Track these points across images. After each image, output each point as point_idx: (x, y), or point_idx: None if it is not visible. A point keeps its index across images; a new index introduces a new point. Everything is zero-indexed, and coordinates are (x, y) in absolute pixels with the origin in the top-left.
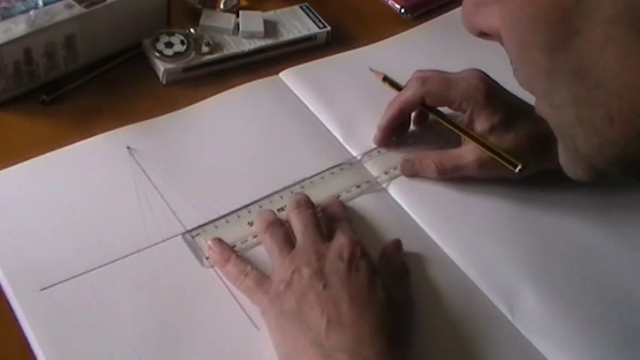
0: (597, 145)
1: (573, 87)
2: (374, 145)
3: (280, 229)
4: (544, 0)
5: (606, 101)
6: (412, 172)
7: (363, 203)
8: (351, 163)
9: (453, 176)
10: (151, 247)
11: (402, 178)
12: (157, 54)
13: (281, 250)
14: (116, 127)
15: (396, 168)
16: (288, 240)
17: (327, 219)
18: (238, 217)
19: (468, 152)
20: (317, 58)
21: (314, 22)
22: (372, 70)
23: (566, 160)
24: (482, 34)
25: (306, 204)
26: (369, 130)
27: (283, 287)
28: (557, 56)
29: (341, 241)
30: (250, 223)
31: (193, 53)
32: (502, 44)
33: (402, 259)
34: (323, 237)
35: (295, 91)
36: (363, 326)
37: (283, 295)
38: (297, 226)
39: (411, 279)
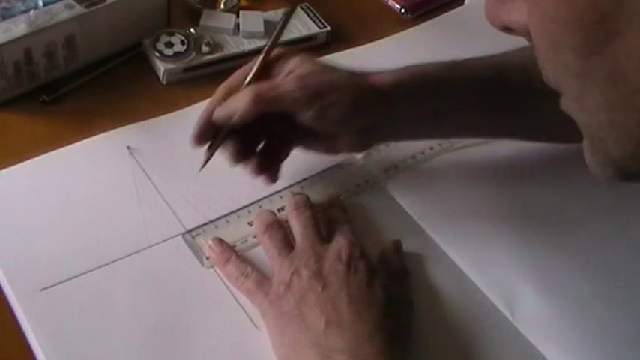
0: (631, 150)
1: (607, 91)
2: None
3: (279, 231)
4: (580, 1)
5: None
6: (226, 113)
7: (363, 203)
8: (350, 163)
9: (272, 105)
10: (150, 247)
11: (402, 177)
12: (157, 54)
13: (280, 251)
14: (116, 127)
15: (396, 167)
16: (287, 242)
17: (327, 220)
18: (238, 217)
19: (284, 76)
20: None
21: (314, 22)
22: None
23: (593, 162)
24: (506, 29)
25: (305, 205)
26: None
27: (283, 289)
28: (592, 59)
29: (340, 242)
30: (250, 224)
31: (193, 53)
32: (528, 40)
33: (402, 260)
34: (322, 239)
35: None
36: (361, 326)
37: (283, 297)
38: (297, 228)
39: (410, 280)
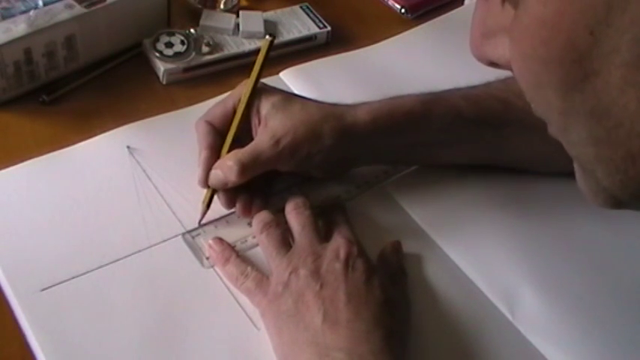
0: (619, 181)
1: (590, 127)
2: None
3: (277, 230)
4: (557, 41)
5: (627, 140)
6: (220, 182)
7: (363, 203)
8: None
9: (257, 170)
10: (150, 247)
11: (402, 178)
12: (157, 54)
13: (278, 251)
14: (116, 127)
15: (396, 167)
16: (285, 241)
17: (326, 220)
18: (238, 217)
19: (261, 135)
20: (317, 58)
21: (314, 22)
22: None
23: (586, 189)
24: (492, 64)
25: (304, 205)
26: None
27: (281, 288)
28: (573, 96)
29: (338, 241)
30: (250, 224)
31: (193, 53)
32: (513, 74)
33: (400, 260)
34: (320, 238)
35: (295, 91)
36: (359, 324)
37: (281, 297)
38: (295, 228)
39: (407, 280)
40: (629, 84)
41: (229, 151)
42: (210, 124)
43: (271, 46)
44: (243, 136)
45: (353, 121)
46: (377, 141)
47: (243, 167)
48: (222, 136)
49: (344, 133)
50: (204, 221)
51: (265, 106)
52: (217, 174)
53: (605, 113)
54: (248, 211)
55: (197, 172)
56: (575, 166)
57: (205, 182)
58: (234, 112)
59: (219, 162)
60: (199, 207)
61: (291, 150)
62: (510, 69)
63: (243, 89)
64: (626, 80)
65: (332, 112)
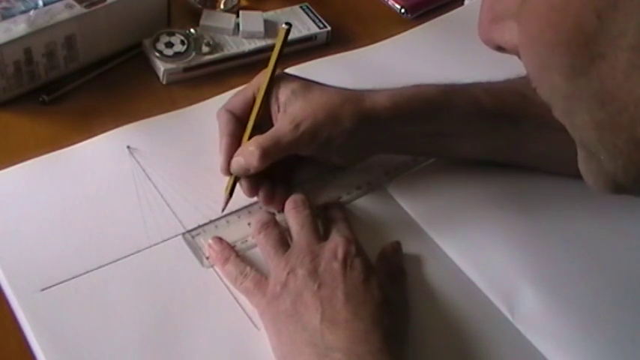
0: (622, 165)
1: (594, 111)
2: None
3: (275, 230)
4: (565, 24)
5: (630, 125)
6: (242, 168)
7: (363, 204)
8: None
9: (278, 155)
10: (150, 247)
11: (402, 178)
12: (157, 54)
13: (276, 251)
14: (116, 126)
15: (397, 168)
16: (283, 240)
17: (325, 219)
18: (238, 217)
19: (281, 120)
20: (317, 58)
21: (314, 22)
22: None
23: (587, 172)
24: (500, 48)
25: (303, 204)
26: None
27: (279, 288)
28: (578, 81)
29: (336, 240)
30: (250, 224)
31: (193, 53)
32: (520, 59)
33: (400, 260)
34: (319, 237)
35: None
36: (357, 324)
37: (279, 297)
38: (294, 227)
39: (407, 280)
40: (635, 67)
41: (250, 138)
42: (230, 112)
43: (287, 34)
44: (264, 124)
45: (372, 106)
46: (396, 127)
47: (265, 152)
48: (242, 125)
49: (363, 117)
50: (203, 221)
51: (284, 92)
52: (239, 160)
53: (609, 97)
54: (270, 200)
55: (219, 160)
56: (579, 151)
57: (227, 170)
58: (254, 100)
59: (240, 149)
60: (199, 207)
61: (311, 134)
62: (517, 54)
63: (262, 78)
64: (632, 64)
65: (352, 96)
